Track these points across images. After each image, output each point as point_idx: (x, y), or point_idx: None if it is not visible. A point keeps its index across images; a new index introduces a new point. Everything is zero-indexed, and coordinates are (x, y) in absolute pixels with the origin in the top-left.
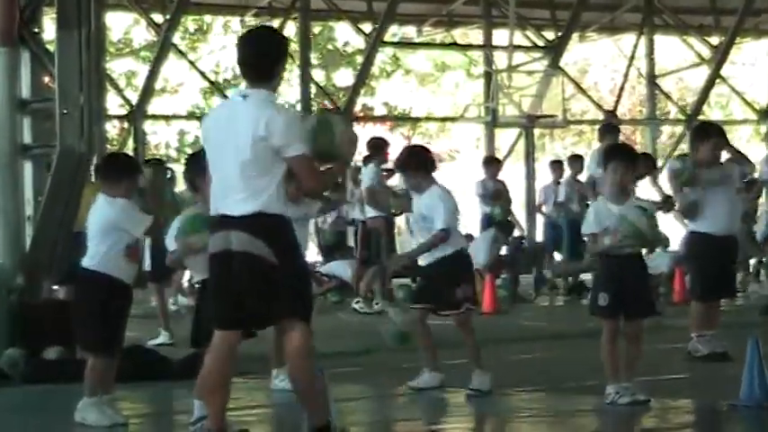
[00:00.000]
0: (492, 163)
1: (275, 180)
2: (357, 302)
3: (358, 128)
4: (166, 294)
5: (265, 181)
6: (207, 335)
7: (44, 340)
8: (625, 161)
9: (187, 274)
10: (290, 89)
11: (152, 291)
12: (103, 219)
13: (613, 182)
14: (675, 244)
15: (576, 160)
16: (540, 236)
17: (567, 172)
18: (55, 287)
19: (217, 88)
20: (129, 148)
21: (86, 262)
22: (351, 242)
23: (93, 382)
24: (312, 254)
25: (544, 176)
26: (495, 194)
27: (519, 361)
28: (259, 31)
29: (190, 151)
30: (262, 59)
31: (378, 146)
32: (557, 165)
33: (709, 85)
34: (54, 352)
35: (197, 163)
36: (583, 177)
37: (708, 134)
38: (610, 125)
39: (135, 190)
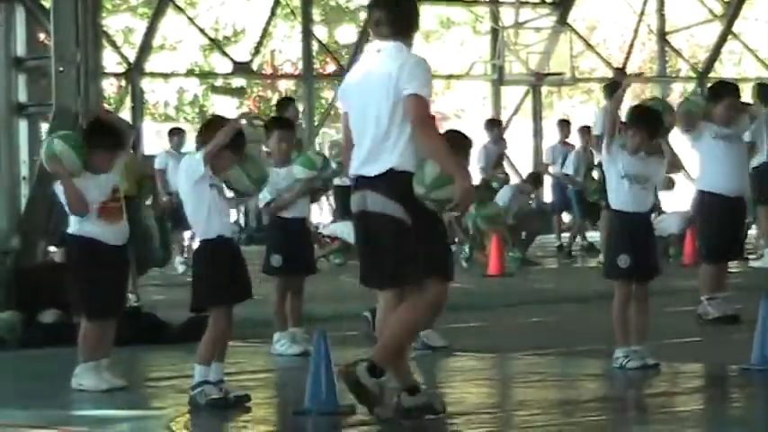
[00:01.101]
0: (494, 125)
1: (404, 136)
2: None
3: None
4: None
5: (395, 136)
6: (206, 300)
7: (40, 304)
8: (649, 129)
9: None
10: (291, 46)
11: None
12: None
13: (634, 146)
14: (686, 204)
15: (565, 125)
16: (547, 196)
17: (578, 143)
18: (51, 249)
19: (216, 45)
20: (127, 107)
21: (69, 228)
22: None
23: (86, 346)
24: (321, 215)
25: (551, 135)
26: (497, 161)
27: (527, 324)
28: None
29: (189, 110)
30: (398, 16)
31: None
32: (564, 124)
33: (721, 41)
34: (50, 315)
35: None
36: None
37: (722, 94)
38: (616, 83)
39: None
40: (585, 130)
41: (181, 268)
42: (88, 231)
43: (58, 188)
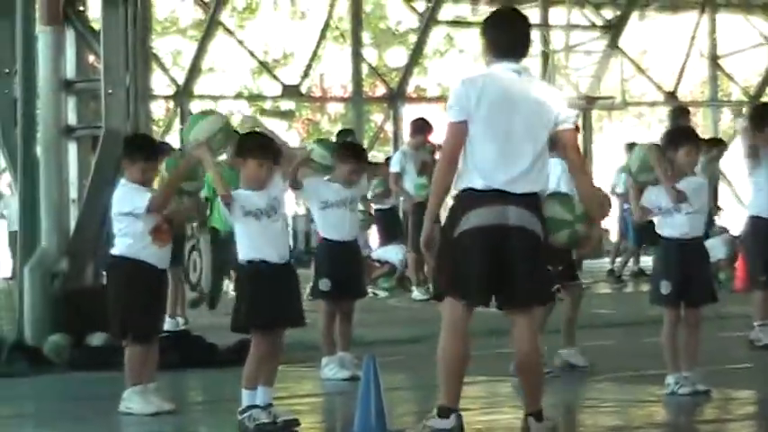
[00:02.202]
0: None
1: (548, 162)
2: (413, 290)
3: (410, 108)
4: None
5: (543, 159)
6: (241, 322)
7: (89, 327)
8: (696, 145)
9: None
10: (340, 68)
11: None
12: (112, 203)
13: (687, 164)
14: (736, 228)
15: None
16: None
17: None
18: (102, 272)
19: (265, 68)
20: (176, 129)
21: (113, 249)
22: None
23: (131, 370)
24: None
25: (603, 159)
26: None
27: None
28: (520, 12)
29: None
30: (528, 38)
31: (419, 127)
32: (632, 147)
33: None
34: (99, 338)
35: None
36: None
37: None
38: (682, 109)
39: (153, 173)
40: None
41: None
42: (134, 253)
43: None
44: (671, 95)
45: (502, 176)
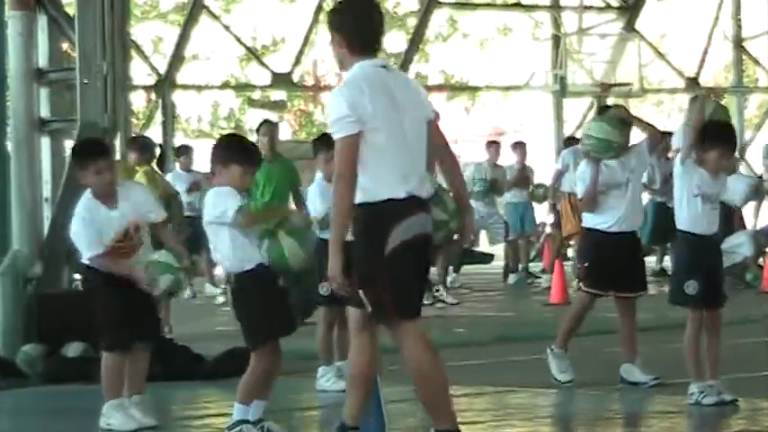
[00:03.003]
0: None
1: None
2: (437, 291)
3: None
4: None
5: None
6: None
7: (65, 335)
8: (730, 146)
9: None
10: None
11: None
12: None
13: (718, 167)
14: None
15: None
16: None
17: None
18: (76, 276)
19: (254, 55)
20: (157, 122)
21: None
22: None
23: (110, 382)
24: None
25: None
26: (491, 184)
27: (593, 356)
28: None
29: (224, 125)
30: (384, 27)
31: None
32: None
33: None
34: (75, 348)
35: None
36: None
37: None
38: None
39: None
40: None
41: (221, 299)
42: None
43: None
44: (692, 82)
45: (415, 182)
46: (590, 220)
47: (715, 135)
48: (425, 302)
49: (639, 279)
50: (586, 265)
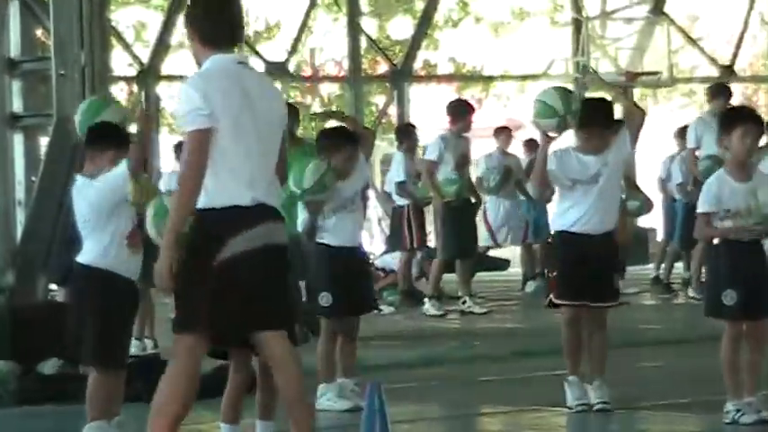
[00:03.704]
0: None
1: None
2: (464, 302)
3: (418, 89)
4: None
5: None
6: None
7: (40, 351)
8: (756, 127)
9: None
10: (334, 42)
11: None
12: (89, 202)
13: (740, 152)
14: None
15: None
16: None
17: (675, 149)
18: (52, 287)
19: (246, 43)
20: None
21: (81, 257)
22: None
23: (97, 401)
24: (372, 244)
25: (649, 147)
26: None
27: (619, 372)
28: None
29: None
30: (242, 20)
31: (459, 111)
32: (684, 133)
33: None
34: (52, 366)
35: None
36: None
37: None
38: (721, 85)
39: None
40: (684, 133)
41: None
42: (109, 263)
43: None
44: (727, 70)
45: (263, 187)
46: (555, 221)
47: (735, 115)
48: (437, 313)
49: (609, 288)
50: (555, 273)
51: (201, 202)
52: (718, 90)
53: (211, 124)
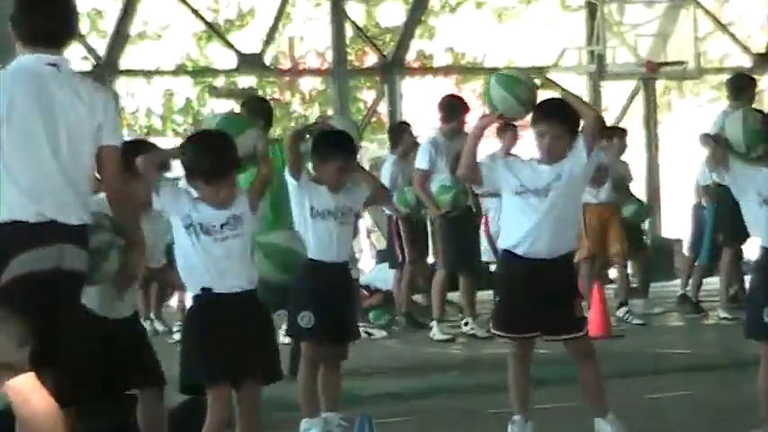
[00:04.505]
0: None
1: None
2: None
3: (411, 82)
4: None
5: (88, 181)
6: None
7: None
8: None
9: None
10: (316, 31)
11: None
12: None
13: None
14: None
15: None
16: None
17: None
18: None
19: (216, 32)
20: None
21: None
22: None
23: None
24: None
25: (671, 147)
26: None
27: (640, 403)
28: None
29: (181, 118)
30: (73, 19)
31: (452, 108)
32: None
33: None
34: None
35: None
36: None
37: None
38: (743, 77)
39: None
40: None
41: (177, 336)
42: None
43: None
44: (762, 58)
45: (53, 204)
46: (501, 234)
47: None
48: (444, 338)
49: (568, 318)
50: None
51: None
52: (740, 84)
53: None
